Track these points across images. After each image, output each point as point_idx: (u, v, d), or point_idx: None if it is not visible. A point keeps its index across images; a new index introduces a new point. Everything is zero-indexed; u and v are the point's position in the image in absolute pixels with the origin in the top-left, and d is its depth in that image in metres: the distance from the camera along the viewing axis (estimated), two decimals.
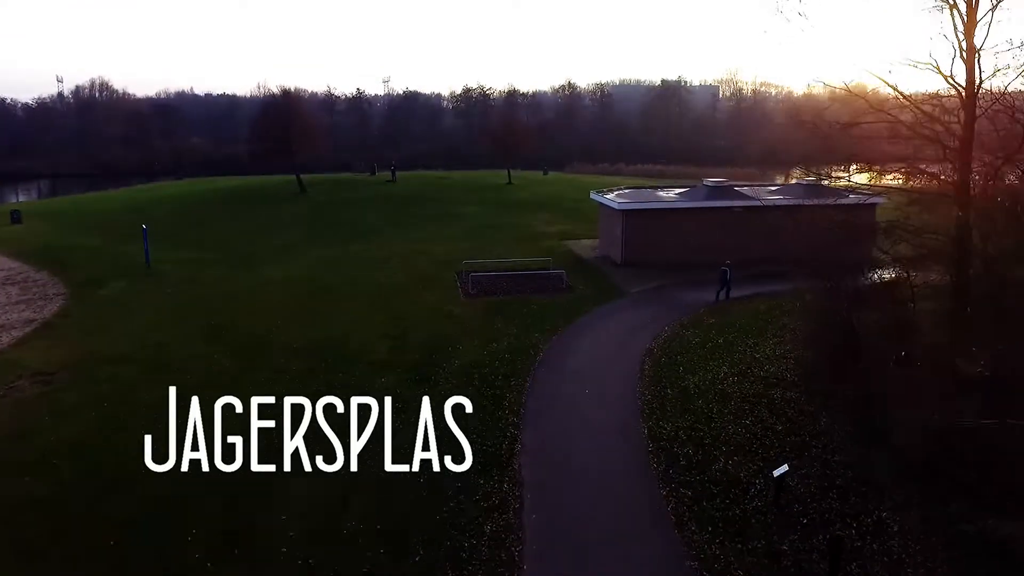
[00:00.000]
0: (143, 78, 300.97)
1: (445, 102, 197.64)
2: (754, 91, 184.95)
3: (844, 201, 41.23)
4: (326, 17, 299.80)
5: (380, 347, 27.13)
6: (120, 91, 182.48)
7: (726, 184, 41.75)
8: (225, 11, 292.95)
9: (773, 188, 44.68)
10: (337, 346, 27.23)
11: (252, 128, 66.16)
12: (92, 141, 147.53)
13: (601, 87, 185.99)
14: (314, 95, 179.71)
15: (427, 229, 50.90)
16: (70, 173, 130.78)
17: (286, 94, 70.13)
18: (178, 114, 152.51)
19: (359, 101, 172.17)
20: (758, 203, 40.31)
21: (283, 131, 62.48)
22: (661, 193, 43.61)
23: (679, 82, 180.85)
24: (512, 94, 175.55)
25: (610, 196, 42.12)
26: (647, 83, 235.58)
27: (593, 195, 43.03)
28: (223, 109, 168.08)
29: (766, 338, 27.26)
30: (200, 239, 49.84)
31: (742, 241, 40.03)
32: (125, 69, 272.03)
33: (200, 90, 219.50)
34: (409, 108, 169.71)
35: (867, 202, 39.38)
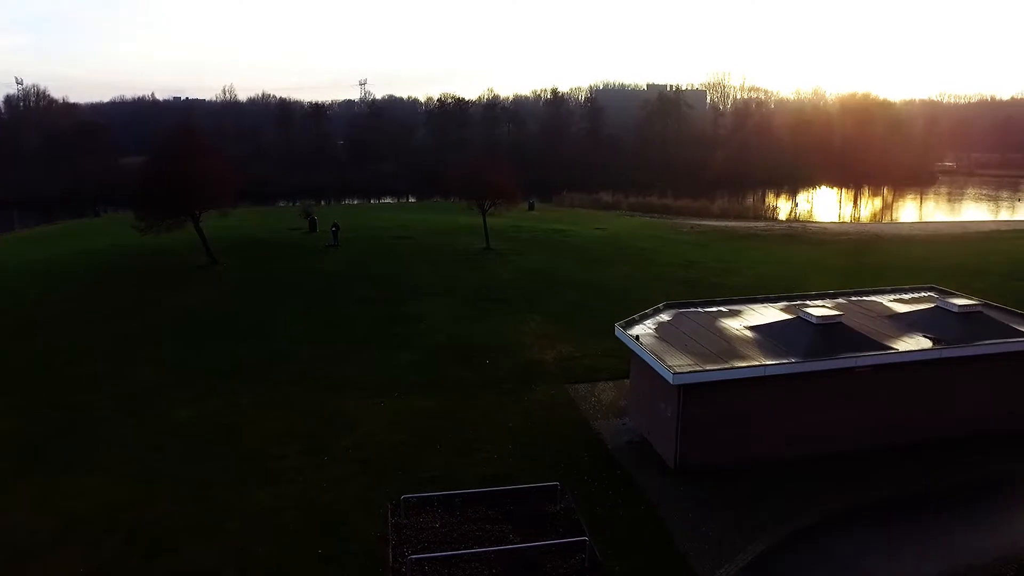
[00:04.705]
0: (102, 81, 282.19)
1: (419, 107, 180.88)
2: (757, 103, 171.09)
3: None
4: (300, 21, 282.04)
5: None
6: (60, 99, 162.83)
7: (836, 320, 25.38)
8: (222, 10, 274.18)
9: (900, 311, 28.48)
10: None
11: (140, 182, 48.56)
12: (11, 162, 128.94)
13: (589, 96, 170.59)
14: (283, 102, 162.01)
15: (358, 358, 34.03)
16: None
17: (188, 134, 52.32)
18: (108, 132, 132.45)
19: (320, 113, 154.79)
20: (904, 359, 24.10)
21: (178, 188, 45.09)
22: (726, 323, 27.15)
23: (673, 90, 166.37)
24: (492, 106, 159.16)
25: (647, 335, 25.69)
26: (632, 86, 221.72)
27: (619, 333, 26.54)
28: (179, 116, 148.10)
29: None
30: (23, 372, 32.79)
31: (872, 417, 24.13)
32: (87, 70, 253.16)
33: (163, 95, 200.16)
34: (377, 128, 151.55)
35: None
